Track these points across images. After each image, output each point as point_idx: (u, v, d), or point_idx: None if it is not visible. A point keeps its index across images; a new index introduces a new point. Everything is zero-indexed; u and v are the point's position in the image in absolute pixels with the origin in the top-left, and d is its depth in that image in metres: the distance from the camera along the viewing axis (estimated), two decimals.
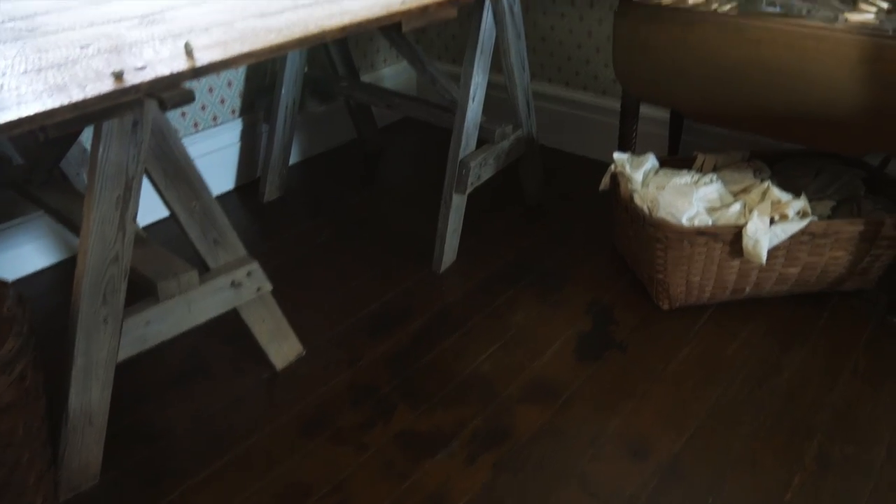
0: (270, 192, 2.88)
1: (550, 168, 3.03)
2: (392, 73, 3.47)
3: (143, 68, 1.31)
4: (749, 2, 2.21)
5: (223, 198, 2.93)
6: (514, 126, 2.54)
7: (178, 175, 1.63)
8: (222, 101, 2.85)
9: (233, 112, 2.91)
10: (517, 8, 2.32)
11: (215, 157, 2.88)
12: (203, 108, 2.80)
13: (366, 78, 3.31)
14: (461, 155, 2.33)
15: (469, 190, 2.37)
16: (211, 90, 2.80)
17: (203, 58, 1.35)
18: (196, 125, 2.81)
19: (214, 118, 2.86)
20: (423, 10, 1.68)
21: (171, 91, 1.29)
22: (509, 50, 2.37)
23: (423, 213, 2.69)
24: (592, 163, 3.13)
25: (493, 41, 2.32)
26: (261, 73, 2.92)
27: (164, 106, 1.28)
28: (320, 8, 1.66)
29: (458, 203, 2.38)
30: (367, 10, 1.64)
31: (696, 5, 2.19)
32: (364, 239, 2.62)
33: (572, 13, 3.04)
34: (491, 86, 2.48)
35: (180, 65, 1.32)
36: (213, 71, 1.34)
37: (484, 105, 2.36)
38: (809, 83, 2.04)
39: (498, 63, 2.45)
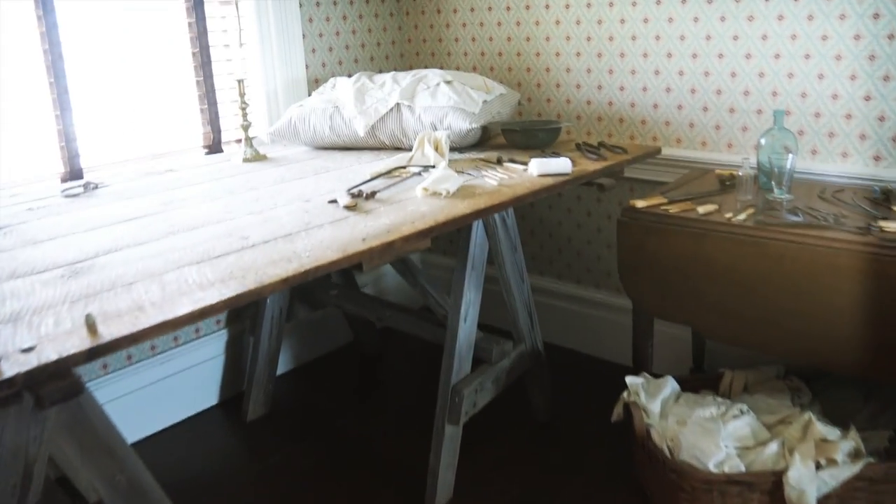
0: (255, 409, 2.62)
1: (562, 373, 2.74)
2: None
3: (30, 349, 1.10)
4: (766, 209, 1.99)
5: (205, 414, 2.68)
6: (516, 340, 2.29)
7: (97, 446, 1.38)
8: None
9: (217, 322, 2.72)
10: (511, 220, 2.13)
11: (197, 371, 2.66)
12: None
13: (365, 276, 3.13)
14: (453, 381, 2.07)
15: (464, 420, 2.08)
16: None
17: (107, 332, 1.14)
18: (176, 339, 2.60)
19: (197, 330, 2.66)
20: (388, 246, 1.48)
21: (55, 383, 1.06)
22: (504, 263, 2.16)
23: (420, 435, 2.39)
24: (609, 366, 2.83)
25: (486, 254, 2.12)
26: None
27: (41, 404, 1.06)
28: (270, 249, 1.47)
29: (451, 434, 2.09)
30: (321, 251, 1.44)
31: (706, 215, 1.98)
32: (352, 468, 2.31)
33: (579, 208, 2.86)
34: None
35: (75, 345, 1.10)
36: (115, 349, 1.12)
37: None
38: (844, 305, 1.77)
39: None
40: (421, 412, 2.54)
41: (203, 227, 1.65)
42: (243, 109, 2.35)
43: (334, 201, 1.77)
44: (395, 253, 1.51)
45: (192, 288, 1.29)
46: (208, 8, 2.59)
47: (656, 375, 2.16)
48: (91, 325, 1.14)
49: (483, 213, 1.70)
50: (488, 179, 1.93)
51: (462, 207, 1.70)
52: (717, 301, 1.94)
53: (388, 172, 2.02)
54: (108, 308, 1.23)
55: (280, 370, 2.85)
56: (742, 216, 1.94)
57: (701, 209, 1.99)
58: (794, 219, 1.90)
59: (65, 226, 1.71)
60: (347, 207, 1.72)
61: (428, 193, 1.81)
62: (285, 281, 1.31)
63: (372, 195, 1.80)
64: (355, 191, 1.83)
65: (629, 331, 2.37)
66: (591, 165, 2.09)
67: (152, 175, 2.21)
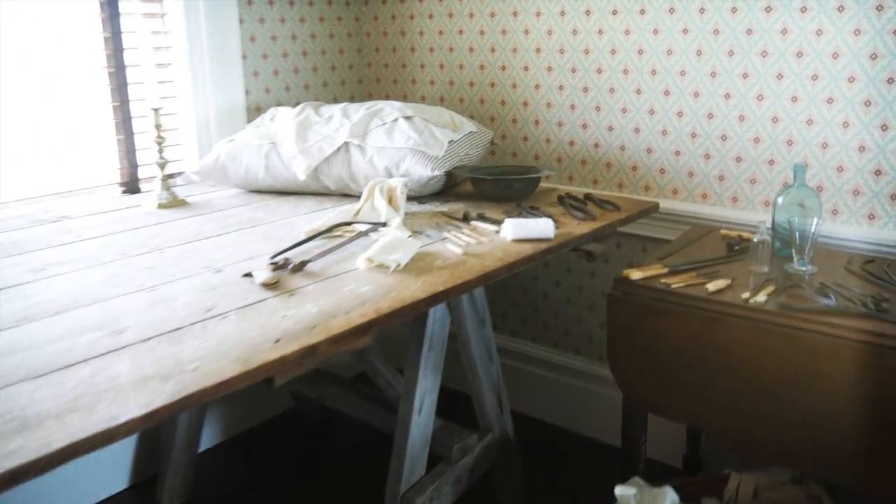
0: (170, 498, 2.19)
1: (536, 452, 2.36)
2: None
3: None
4: (788, 286, 1.63)
5: (111, 502, 2.25)
6: (482, 429, 1.91)
7: None
8: None
9: None
10: (478, 290, 1.75)
11: (104, 449, 2.22)
12: None
13: None
14: (403, 488, 1.67)
15: None
16: None
17: None
18: None
19: None
20: (309, 351, 1.09)
21: None
22: (469, 341, 1.78)
23: None
24: (590, 444, 2.46)
25: (448, 328, 1.74)
26: None
27: None
28: (146, 354, 1.07)
29: None
30: (214, 360, 1.05)
31: (717, 293, 1.62)
32: None
33: (557, 263, 2.50)
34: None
35: None
36: None
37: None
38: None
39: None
40: (371, 496, 2.14)
41: (70, 310, 1.24)
42: (159, 144, 1.95)
43: (249, 275, 1.37)
44: (320, 359, 1.12)
45: (10, 429, 0.89)
46: (128, 22, 2.20)
47: (650, 464, 1.80)
48: None
49: (441, 298, 1.32)
50: (451, 245, 1.55)
51: (414, 289, 1.31)
52: (730, 401, 1.58)
53: (328, 231, 1.64)
54: None
55: (205, 444, 2.44)
56: (762, 297, 1.58)
57: (711, 286, 1.63)
58: (827, 302, 1.54)
59: None
60: (265, 285, 1.33)
61: (372, 265, 1.42)
62: (149, 417, 0.92)
63: (301, 266, 1.41)
64: (280, 259, 1.44)
65: (613, 403, 2.02)
66: (577, 227, 1.71)
67: (40, 224, 1.80)
